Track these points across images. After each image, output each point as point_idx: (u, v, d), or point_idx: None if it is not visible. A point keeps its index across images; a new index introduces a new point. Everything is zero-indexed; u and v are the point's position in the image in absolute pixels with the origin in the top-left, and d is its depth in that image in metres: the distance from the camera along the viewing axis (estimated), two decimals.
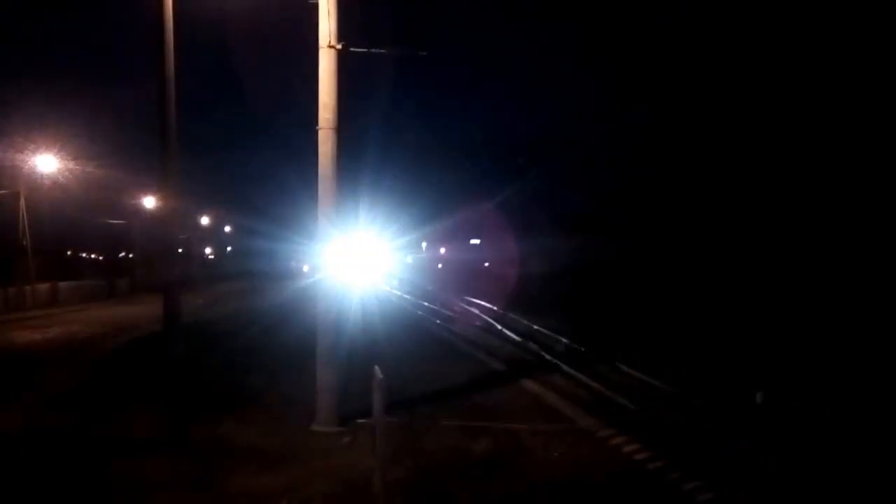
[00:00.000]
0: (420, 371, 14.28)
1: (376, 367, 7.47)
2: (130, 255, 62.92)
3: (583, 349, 16.93)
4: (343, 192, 10.18)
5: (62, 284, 41.68)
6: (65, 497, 7.48)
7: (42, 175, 37.32)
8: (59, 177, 37.70)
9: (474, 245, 73.50)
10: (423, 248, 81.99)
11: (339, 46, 9.80)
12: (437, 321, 25.53)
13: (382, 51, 10.32)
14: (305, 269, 68.40)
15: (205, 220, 74.95)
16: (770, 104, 34.89)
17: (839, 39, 31.47)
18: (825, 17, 32.41)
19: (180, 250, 27.95)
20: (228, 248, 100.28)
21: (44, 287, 39.46)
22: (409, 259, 74.39)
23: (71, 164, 37.39)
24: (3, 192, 37.47)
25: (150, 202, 47.94)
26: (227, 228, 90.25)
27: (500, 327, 22.21)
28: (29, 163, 36.27)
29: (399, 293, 42.59)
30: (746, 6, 38.65)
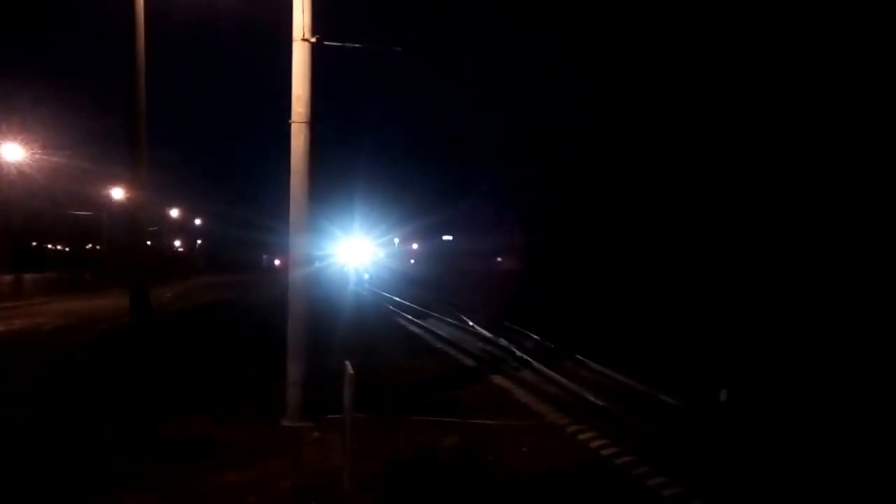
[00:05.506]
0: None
1: (347, 363, 7.45)
2: (98, 247, 61.91)
3: (552, 345, 17.03)
4: (316, 186, 10.12)
5: (27, 276, 40.84)
6: (28, 497, 7.32)
7: (6, 164, 36.55)
8: (25, 166, 36.95)
9: (446, 241, 73.74)
10: (396, 244, 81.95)
11: (313, 40, 9.73)
12: (408, 315, 25.56)
13: (357, 45, 10.27)
14: (277, 263, 66.64)
15: (174, 213, 74.01)
16: (749, 101, 35.32)
17: (831, 36, 31.89)
18: (815, 12, 32.82)
19: (149, 243, 27.61)
20: (199, 242, 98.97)
21: (7, 279, 38.66)
22: (382, 254, 74.26)
23: (37, 154, 36.67)
24: None
25: (118, 193, 47.24)
26: (198, 221, 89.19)
27: (471, 323, 22.30)
28: None
29: (369, 287, 42.54)
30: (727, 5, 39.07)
